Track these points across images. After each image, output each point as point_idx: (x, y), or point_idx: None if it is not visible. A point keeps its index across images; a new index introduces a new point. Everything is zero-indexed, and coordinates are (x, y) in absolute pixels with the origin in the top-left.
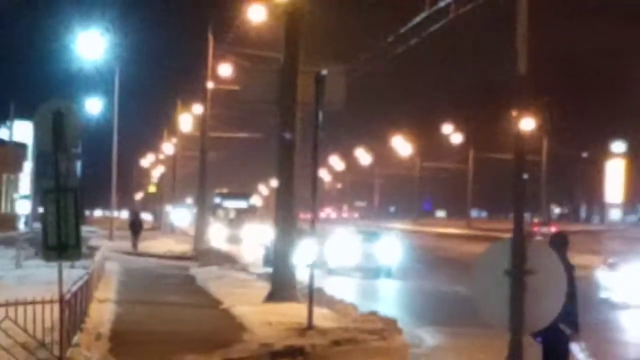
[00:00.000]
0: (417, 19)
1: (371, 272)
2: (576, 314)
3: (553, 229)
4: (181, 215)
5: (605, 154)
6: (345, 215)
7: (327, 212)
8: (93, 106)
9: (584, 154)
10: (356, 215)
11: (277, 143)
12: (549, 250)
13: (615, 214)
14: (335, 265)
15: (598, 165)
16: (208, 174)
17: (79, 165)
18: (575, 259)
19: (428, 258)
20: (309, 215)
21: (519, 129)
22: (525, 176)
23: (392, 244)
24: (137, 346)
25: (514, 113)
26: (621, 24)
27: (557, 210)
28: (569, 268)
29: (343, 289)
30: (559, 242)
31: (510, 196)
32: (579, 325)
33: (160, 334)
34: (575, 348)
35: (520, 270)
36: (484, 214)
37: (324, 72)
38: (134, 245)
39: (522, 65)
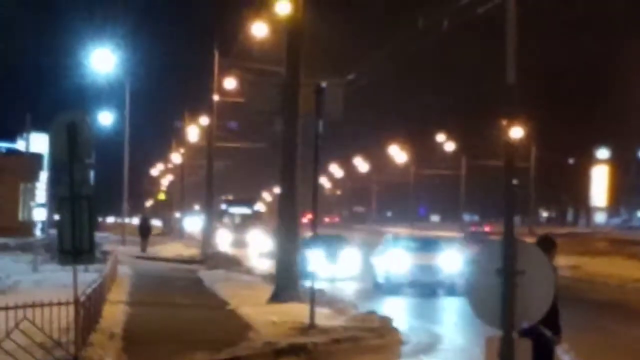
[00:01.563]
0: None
1: (429, 287)
2: (556, 316)
3: (487, 229)
4: (192, 222)
5: (590, 160)
6: (327, 220)
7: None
8: (105, 118)
9: (571, 161)
10: (337, 219)
11: (280, 152)
12: (538, 251)
13: (600, 217)
14: (384, 279)
15: (584, 171)
16: (214, 182)
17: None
18: (561, 260)
19: None
20: (306, 218)
21: (508, 137)
22: (515, 182)
23: (454, 254)
24: (148, 345)
25: (504, 122)
26: (605, 36)
27: (544, 214)
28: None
29: (398, 310)
30: (546, 245)
31: (501, 201)
32: (561, 327)
33: (170, 333)
34: (559, 350)
35: (511, 270)
36: (475, 217)
37: (324, 84)
38: (143, 248)
39: (511, 75)
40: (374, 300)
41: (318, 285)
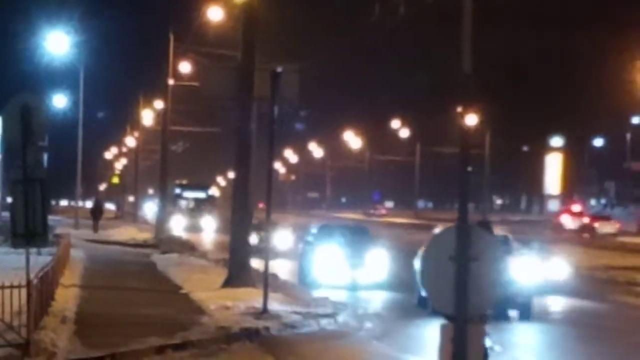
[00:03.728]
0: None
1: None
2: None
3: (383, 211)
4: (151, 206)
5: (544, 148)
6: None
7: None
8: (59, 101)
9: (525, 148)
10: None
11: (235, 137)
12: (491, 239)
13: (553, 205)
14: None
15: (538, 158)
16: (169, 166)
17: (45, 157)
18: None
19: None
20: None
21: (463, 124)
22: (469, 169)
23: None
24: (101, 329)
25: (459, 109)
26: (562, 26)
27: (498, 201)
28: None
29: None
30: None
31: (455, 187)
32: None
33: (123, 317)
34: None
35: (464, 257)
36: (430, 204)
37: (279, 69)
38: (95, 229)
39: (466, 63)
40: (421, 322)
41: (333, 294)
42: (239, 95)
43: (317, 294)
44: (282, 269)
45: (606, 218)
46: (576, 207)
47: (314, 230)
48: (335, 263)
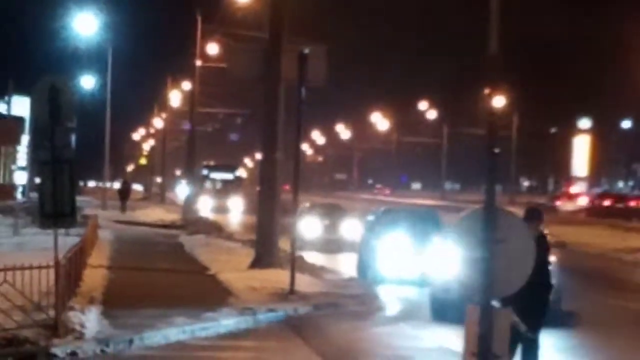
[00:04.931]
0: None
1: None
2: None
3: (387, 192)
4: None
5: (572, 130)
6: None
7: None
8: (87, 82)
9: (553, 130)
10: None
11: (262, 118)
12: (519, 221)
13: (581, 187)
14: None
15: (565, 140)
16: (196, 147)
17: (74, 138)
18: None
19: None
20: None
21: (491, 106)
22: (497, 150)
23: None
24: (128, 309)
25: (486, 91)
26: (590, 7)
27: (526, 183)
28: (546, 251)
29: None
30: (532, 215)
31: (482, 169)
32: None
33: (150, 298)
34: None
35: (491, 239)
36: (457, 186)
37: (307, 50)
38: (123, 210)
39: (493, 44)
40: None
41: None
42: (266, 76)
43: (381, 289)
44: (345, 264)
45: (573, 196)
46: (574, 189)
47: (374, 216)
48: (401, 254)
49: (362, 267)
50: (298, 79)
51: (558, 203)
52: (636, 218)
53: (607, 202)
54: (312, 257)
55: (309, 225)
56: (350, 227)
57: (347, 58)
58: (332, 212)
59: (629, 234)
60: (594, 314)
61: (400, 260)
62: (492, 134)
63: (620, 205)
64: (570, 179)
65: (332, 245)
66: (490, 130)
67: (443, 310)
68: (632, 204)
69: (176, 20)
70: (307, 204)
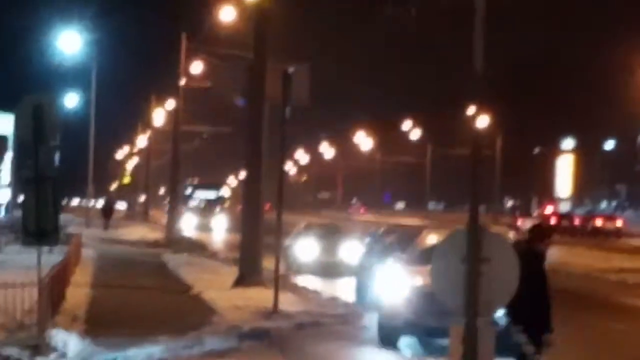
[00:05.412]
0: None
1: None
2: (548, 312)
3: (362, 211)
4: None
5: (555, 150)
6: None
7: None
8: (71, 100)
9: (536, 150)
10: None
11: (246, 137)
12: (503, 240)
13: (564, 207)
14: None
15: (549, 160)
16: (180, 166)
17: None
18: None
19: None
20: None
21: (475, 126)
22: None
23: None
24: (112, 327)
25: (470, 111)
26: (573, 28)
27: (509, 202)
28: (539, 261)
29: None
30: (541, 234)
31: (466, 189)
32: (552, 325)
33: (134, 316)
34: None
35: (475, 258)
36: (440, 205)
37: (291, 69)
38: (106, 227)
39: (478, 64)
40: None
41: None
42: (250, 95)
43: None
44: (342, 289)
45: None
46: (549, 209)
47: (372, 237)
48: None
49: (360, 291)
50: (282, 98)
51: (519, 223)
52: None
53: (553, 220)
54: (308, 281)
55: (305, 248)
56: (350, 249)
57: (331, 77)
58: (331, 234)
59: (612, 255)
60: (582, 335)
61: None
62: (476, 154)
63: (565, 224)
64: (545, 201)
65: (330, 268)
66: (474, 150)
67: (390, 338)
68: (577, 222)
69: (160, 38)
70: (303, 225)
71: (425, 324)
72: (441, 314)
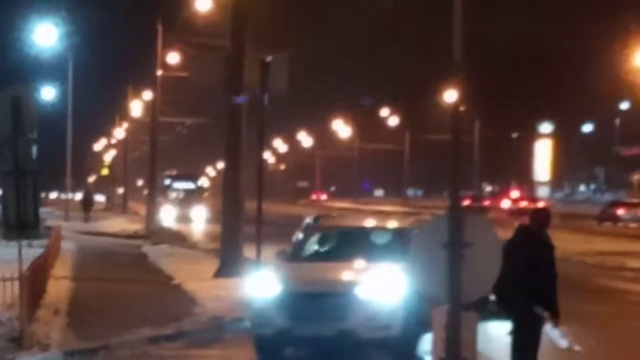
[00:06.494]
0: None
1: None
2: (555, 296)
3: (324, 197)
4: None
5: (533, 134)
6: None
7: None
8: (48, 93)
9: (514, 135)
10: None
11: (225, 127)
12: (485, 224)
13: (543, 191)
14: None
15: (527, 145)
16: (158, 157)
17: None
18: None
19: None
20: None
21: (454, 111)
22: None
23: None
24: (94, 320)
25: (448, 96)
26: (552, 12)
27: (488, 188)
28: (550, 248)
29: None
30: (538, 220)
31: (444, 175)
32: (558, 309)
33: (115, 308)
34: (555, 333)
35: (457, 242)
36: (419, 192)
37: (269, 58)
38: (85, 219)
39: (457, 50)
40: None
41: None
42: (228, 84)
43: None
44: None
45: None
46: (514, 193)
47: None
48: None
49: None
50: (261, 87)
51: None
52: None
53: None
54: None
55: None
56: None
57: (308, 65)
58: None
59: (592, 237)
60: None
61: None
62: (455, 139)
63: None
64: (510, 185)
65: None
66: (454, 136)
67: (267, 348)
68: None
69: (137, 29)
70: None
71: (300, 332)
72: (319, 320)
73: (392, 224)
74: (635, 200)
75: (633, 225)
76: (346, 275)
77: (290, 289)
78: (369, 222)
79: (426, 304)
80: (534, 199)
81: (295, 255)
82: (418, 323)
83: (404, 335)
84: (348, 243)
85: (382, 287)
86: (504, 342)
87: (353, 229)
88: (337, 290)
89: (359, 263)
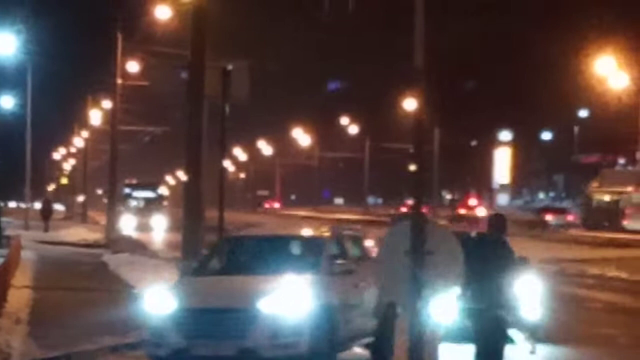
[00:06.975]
0: None
1: None
2: (516, 300)
3: (275, 205)
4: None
5: (493, 142)
6: None
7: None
8: (7, 102)
9: (473, 143)
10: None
11: (185, 136)
12: (446, 232)
13: (503, 199)
14: None
15: (486, 153)
16: (118, 166)
17: None
18: None
19: None
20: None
21: (418, 119)
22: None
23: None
24: (55, 329)
25: (409, 104)
26: (510, 21)
27: (448, 196)
28: (510, 254)
29: None
30: (496, 226)
31: (403, 184)
32: (520, 313)
33: (77, 317)
34: (518, 337)
35: (419, 250)
36: (379, 200)
37: (230, 67)
38: (45, 229)
39: (419, 58)
40: None
41: None
42: (188, 92)
43: None
44: None
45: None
46: (472, 201)
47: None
48: None
49: None
50: (221, 95)
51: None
52: None
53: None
54: None
55: None
56: None
57: (268, 73)
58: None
59: (552, 244)
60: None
61: None
62: (418, 148)
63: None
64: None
65: None
66: (417, 144)
67: None
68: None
69: (97, 38)
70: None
71: (197, 352)
72: (218, 339)
73: (306, 232)
74: (562, 206)
75: (561, 230)
76: (249, 289)
77: (186, 304)
78: (281, 232)
79: (338, 318)
80: (470, 207)
81: (200, 268)
82: (328, 340)
83: (313, 353)
84: (257, 254)
85: (288, 300)
86: None
87: (263, 239)
88: (237, 305)
89: (267, 275)
